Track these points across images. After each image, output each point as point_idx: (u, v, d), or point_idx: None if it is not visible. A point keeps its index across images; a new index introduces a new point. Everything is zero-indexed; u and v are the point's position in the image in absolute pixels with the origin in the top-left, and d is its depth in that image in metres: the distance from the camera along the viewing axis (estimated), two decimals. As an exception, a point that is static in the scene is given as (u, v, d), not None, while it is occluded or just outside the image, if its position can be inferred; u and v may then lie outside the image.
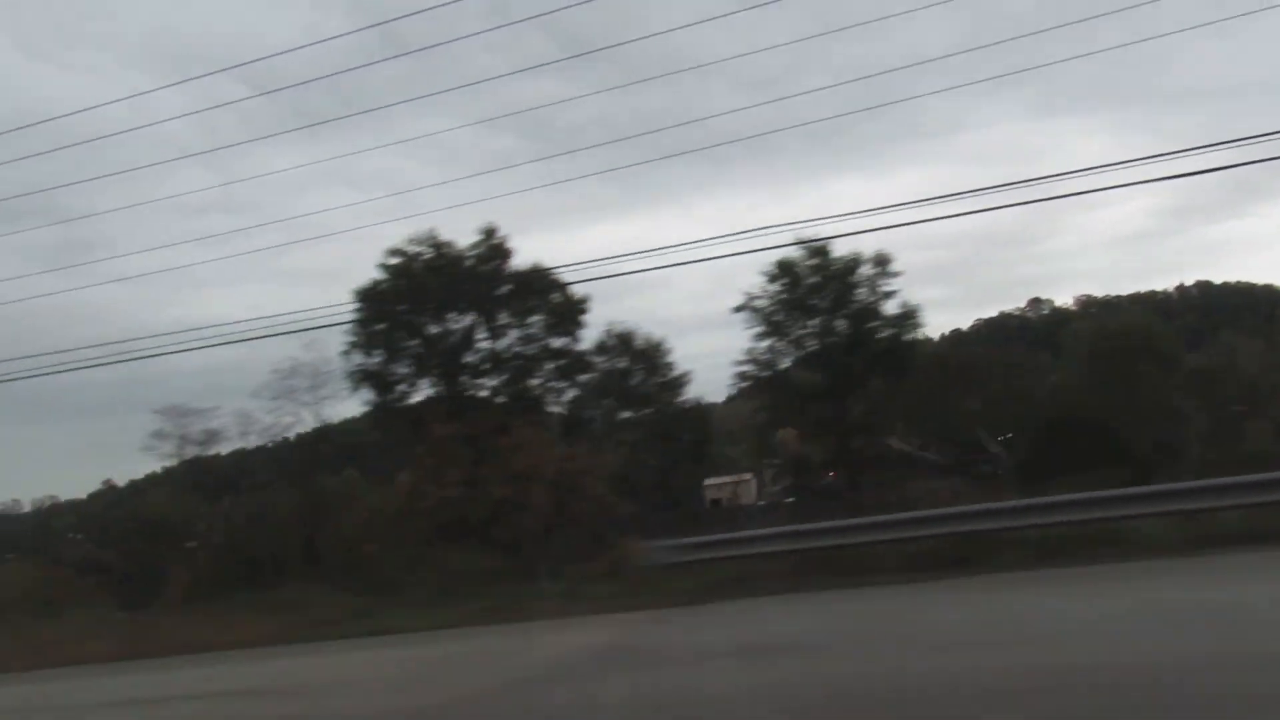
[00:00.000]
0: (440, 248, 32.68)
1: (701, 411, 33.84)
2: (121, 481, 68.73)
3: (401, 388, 32.55)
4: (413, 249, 32.53)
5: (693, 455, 32.50)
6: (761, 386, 32.30)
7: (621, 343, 33.11)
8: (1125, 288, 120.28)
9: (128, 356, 21.76)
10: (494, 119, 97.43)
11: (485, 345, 32.42)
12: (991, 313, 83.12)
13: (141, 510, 55.31)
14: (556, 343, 32.49)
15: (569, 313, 32.14)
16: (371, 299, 32.32)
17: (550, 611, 14.11)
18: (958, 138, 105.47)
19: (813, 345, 31.95)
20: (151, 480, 79.58)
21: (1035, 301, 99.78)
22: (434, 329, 32.40)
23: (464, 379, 32.50)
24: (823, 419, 30.75)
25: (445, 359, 32.34)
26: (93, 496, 56.57)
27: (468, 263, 31.98)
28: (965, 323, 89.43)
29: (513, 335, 32.32)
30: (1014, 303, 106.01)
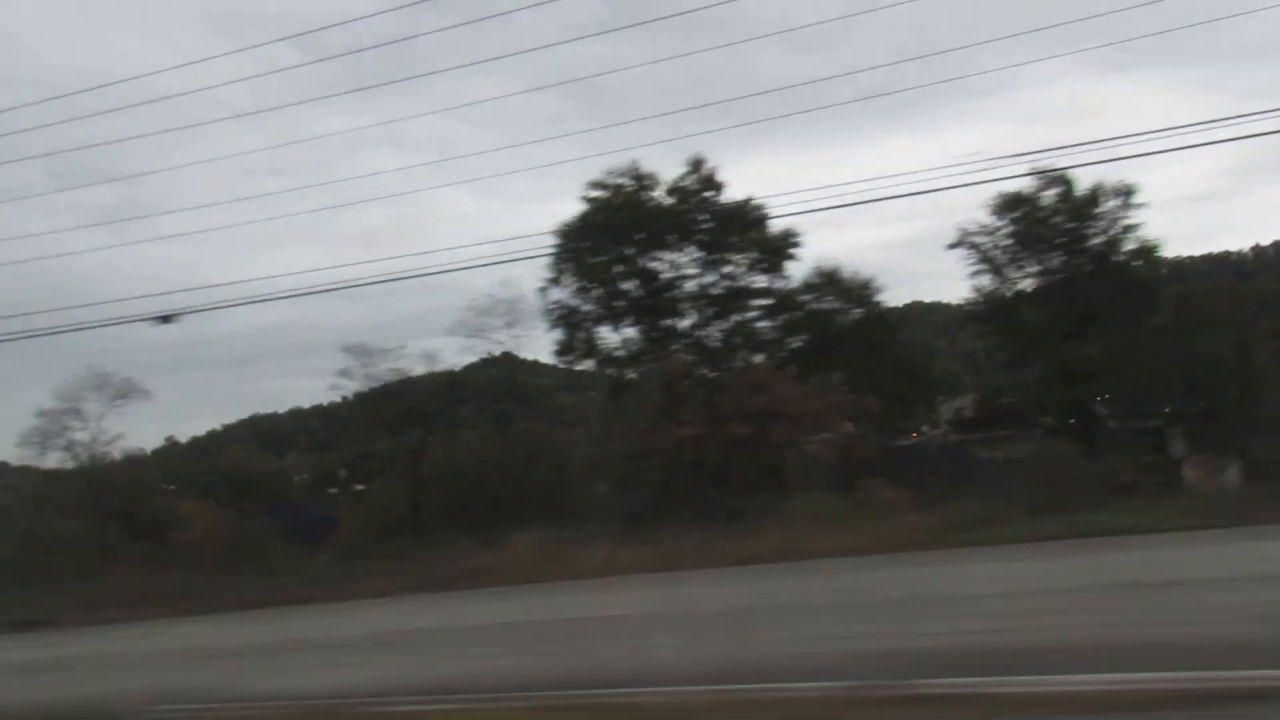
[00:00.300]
0: (643, 180, 31.35)
1: (920, 352, 32.13)
2: (183, 438, 69.85)
3: (604, 326, 31.53)
4: (614, 181, 31.30)
5: (911, 398, 30.86)
6: (995, 328, 30.46)
7: (828, 280, 31.45)
8: (1194, 248, 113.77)
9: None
10: (548, 86, 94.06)
11: (690, 281, 31.13)
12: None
13: (223, 464, 55.60)
14: (763, 279, 31.07)
15: (778, 248, 30.58)
16: (571, 234, 31.19)
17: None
18: (1013, 96, 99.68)
19: (1043, 282, 30.04)
20: (213, 436, 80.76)
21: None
22: (638, 264, 31.18)
23: (669, 316, 31.30)
24: (1057, 361, 28.91)
25: (650, 294, 31.14)
26: (157, 452, 57.32)
27: (674, 195, 30.54)
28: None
29: (720, 271, 30.91)
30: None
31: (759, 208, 29.81)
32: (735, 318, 30.88)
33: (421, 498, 33.48)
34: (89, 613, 17.27)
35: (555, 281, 31.78)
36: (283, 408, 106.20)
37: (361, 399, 37.19)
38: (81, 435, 40.01)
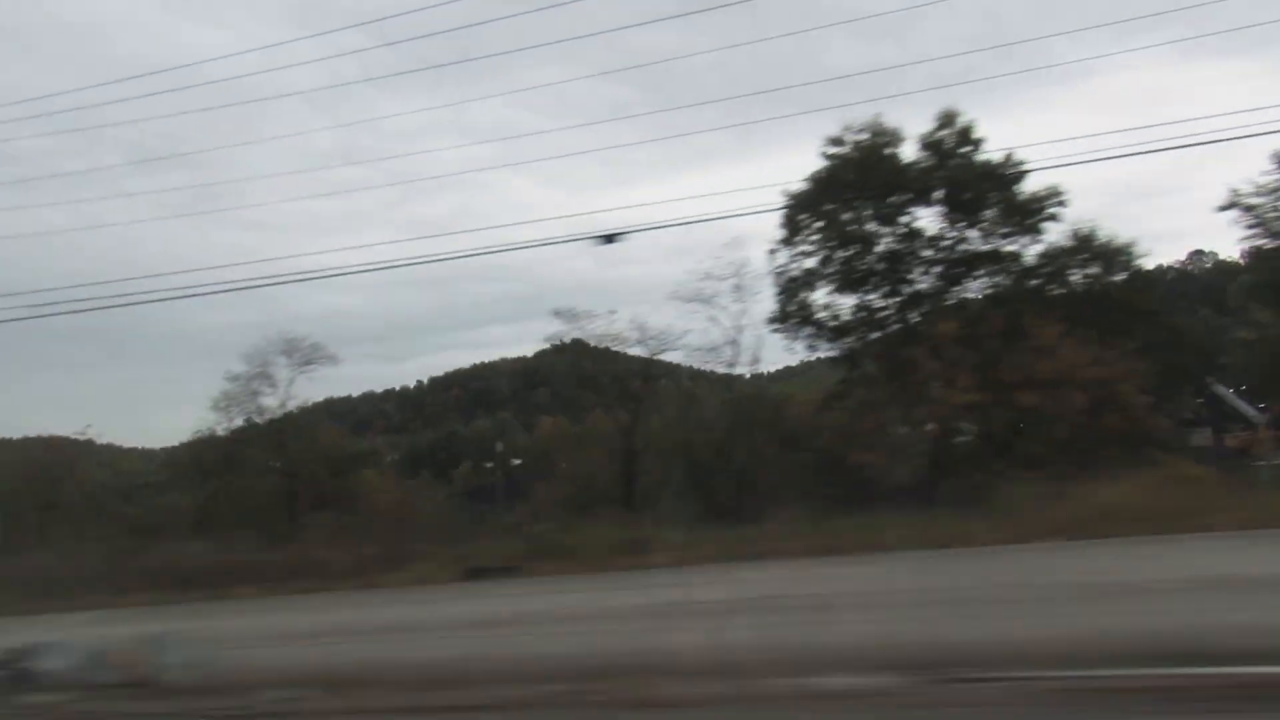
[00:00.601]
0: (883, 136, 29.58)
1: (1200, 320, 29.68)
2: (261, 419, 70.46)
3: (843, 292, 29.93)
4: (853, 137, 29.64)
5: (1190, 373, 28.42)
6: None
7: (1083, 242, 29.24)
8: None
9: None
10: (612, 71, 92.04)
11: (939, 241, 29.29)
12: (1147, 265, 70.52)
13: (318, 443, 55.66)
14: (1019, 239, 29.00)
15: (1038, 207, 28.48)
16: (808, 194, 29.64)
17: None
18: (1091, 83, 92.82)
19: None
20: (289, 418, 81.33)
21: (1197, 254, 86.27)
22: (881, 223, 29.52)
23: (909, 280, 29.57)
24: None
25: (892, 256, 29.45)
26: (237, 431, 58.12)
27: (929, 151, 28.70)
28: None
29: (973, 230, 29.01)
30: (1163, 257, 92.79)
31: (1019, 163, 27.83)
32: (987, 280, 29.05)
33: (634, 468, 32.51)
34: (563, 562, 16.29)
35: (787, 243, 30.42)
36: (356, 391, 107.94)
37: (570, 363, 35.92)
38: (270, 400, 40.23)
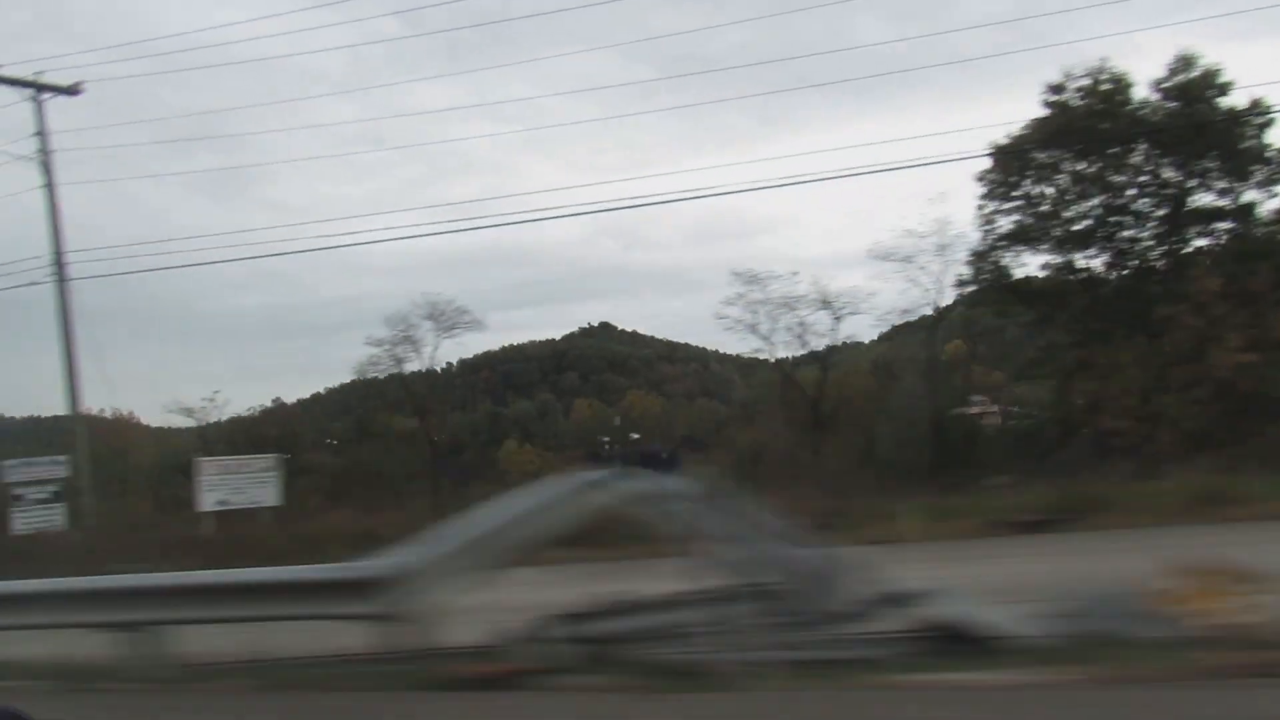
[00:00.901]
0: (1109, 84, 27.62)
1: None
2: (290, 400, 71.28)
3: (1057, 252, 28.22)
4: (1076, 84, 27.75)
5: None
6: None
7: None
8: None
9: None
10: (631, 43, 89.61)
11: (1168, 194, 27.37)
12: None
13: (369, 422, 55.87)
14: (1245, 192, 27.00)
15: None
16: (1015, 148, 27.88)
17: None
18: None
19: None
20: (317, 400, 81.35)
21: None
22: (1106, 176, 27.67)
23: (1139, 236, 27.74)
24: None
25: (1119, 211, 27.63)
26: (267, 412, 58.11)
27: (1174, 97, 26.68)
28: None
29: (1208, 183, 27.10)
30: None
31: (1268, 108, 25.68)
32: (1221, 235, 27.11)
33: (823, 435, 31.06)
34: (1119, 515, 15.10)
35: (992, 197, 28.72)
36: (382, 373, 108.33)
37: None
38: (413, 366, 39.83)
